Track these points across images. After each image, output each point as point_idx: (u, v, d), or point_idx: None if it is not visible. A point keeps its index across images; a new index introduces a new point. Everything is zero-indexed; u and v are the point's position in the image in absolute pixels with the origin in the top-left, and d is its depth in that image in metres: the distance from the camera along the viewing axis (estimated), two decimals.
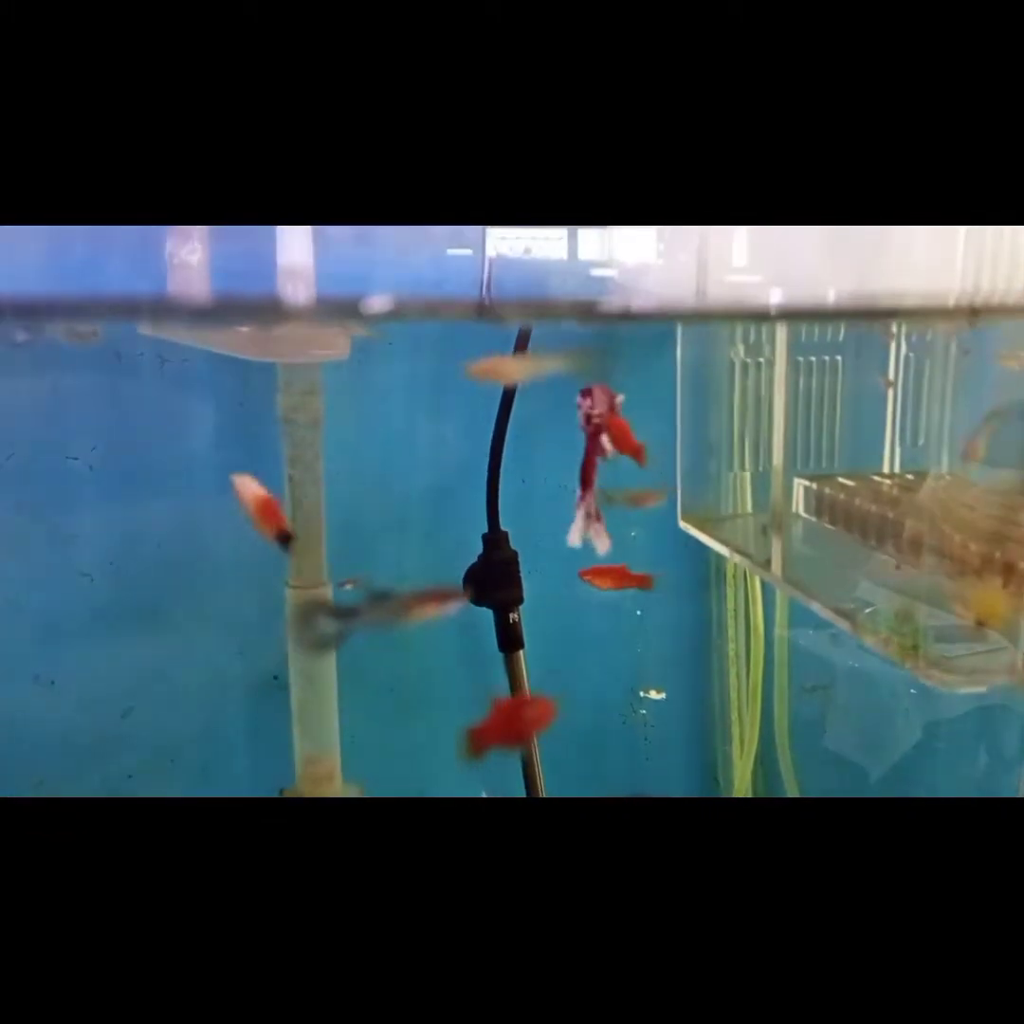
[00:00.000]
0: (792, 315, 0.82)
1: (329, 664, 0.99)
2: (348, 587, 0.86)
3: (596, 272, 0.71)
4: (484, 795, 1.12)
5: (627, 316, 0.68)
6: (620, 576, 0.88)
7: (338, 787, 0.99)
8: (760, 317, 0.89)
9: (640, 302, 0.70)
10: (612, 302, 0.69)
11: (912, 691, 1.11)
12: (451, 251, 0.76)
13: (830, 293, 0.68)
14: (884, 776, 1.18)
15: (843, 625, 0.75)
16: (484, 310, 0.68)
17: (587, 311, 0.70)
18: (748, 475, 1.03)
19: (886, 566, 0.76)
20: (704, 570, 1.25)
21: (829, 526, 0.86)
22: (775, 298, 0.71)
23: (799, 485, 0.93)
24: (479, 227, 0.70)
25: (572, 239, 0.80)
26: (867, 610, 0.74)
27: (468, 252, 0.79)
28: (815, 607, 0.80)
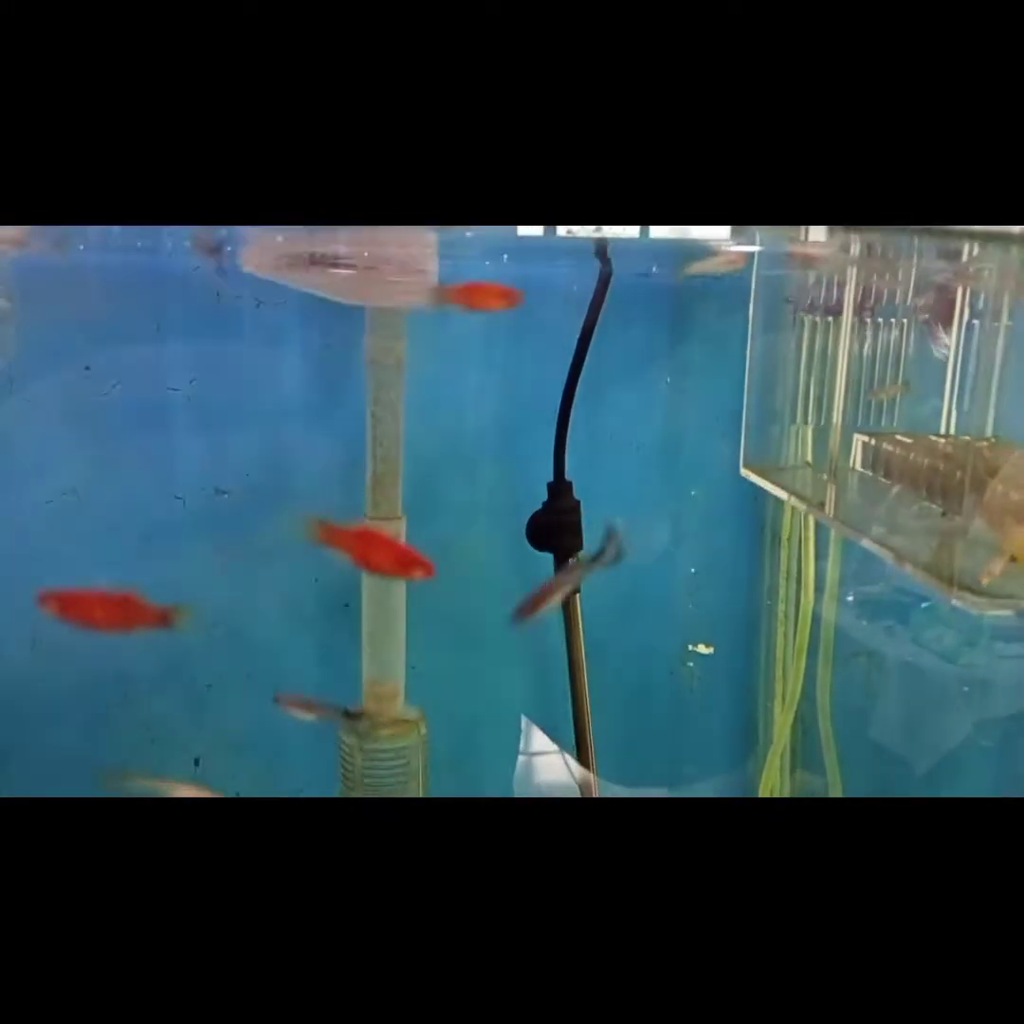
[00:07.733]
0: None
1: (399, 594, 1.06)
2: None
3: None
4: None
5: None
6: None
7: (400, 708, 1.07)
8: None
9: None
10: None
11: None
12: None
13: None
14: (921, 748, 1.22)
15: (886, 555, 0.80)
16: None
17: None
18: (809, 429, 1.09)
19: (932, 513, 0.82)
20: (760, 531, 1.30)
21: (884, 480, 0.91)
22: None
23: (858, 440, 0.98)
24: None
25: None
26: (906, 541, 0.79)
27: None
28: (864, 542, 0.86)
